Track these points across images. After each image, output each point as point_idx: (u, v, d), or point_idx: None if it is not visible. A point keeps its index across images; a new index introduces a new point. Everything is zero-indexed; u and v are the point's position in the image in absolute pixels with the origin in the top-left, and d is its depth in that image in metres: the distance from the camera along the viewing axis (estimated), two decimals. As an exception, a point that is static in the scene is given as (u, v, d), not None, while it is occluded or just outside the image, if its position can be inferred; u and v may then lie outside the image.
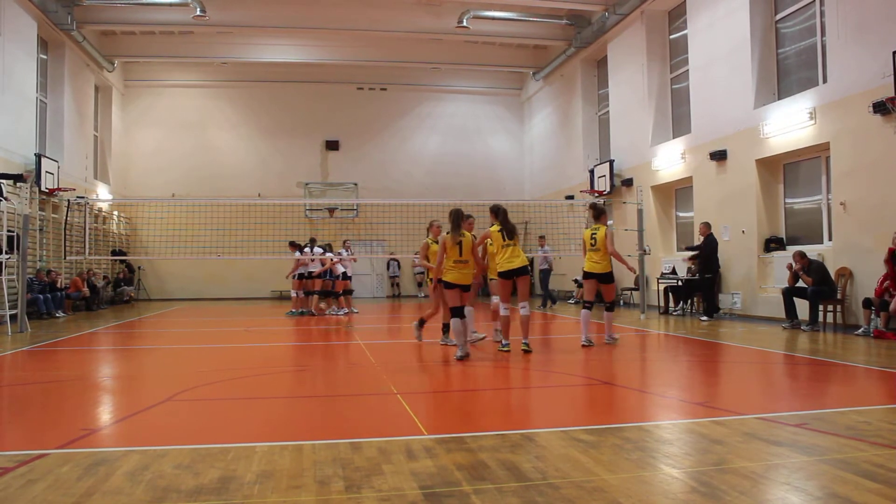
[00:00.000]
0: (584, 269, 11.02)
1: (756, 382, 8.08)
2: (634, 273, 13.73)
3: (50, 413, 6.56)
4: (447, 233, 9.62)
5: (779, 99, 15.31)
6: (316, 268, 18.23)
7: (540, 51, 27.76)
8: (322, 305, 18.28)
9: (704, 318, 15.22)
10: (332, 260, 18.20)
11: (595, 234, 10.82)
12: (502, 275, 9.94)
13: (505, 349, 10.07)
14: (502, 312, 10.22)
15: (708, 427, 5.36)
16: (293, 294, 18.72)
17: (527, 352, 9.86)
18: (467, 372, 8.81)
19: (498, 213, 10.14)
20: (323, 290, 18.23)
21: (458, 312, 9.45)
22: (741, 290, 15.88)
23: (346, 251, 18.89)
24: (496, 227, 10.01)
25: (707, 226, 15.67)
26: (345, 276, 18.80)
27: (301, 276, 18.19)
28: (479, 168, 30.19)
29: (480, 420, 6.02)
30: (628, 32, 21.17)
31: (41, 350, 11.31)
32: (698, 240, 15.98)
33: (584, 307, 10.87)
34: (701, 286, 15.66)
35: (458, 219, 9.62)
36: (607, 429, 5.36)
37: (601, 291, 11.12)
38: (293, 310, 18.24)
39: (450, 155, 30.27)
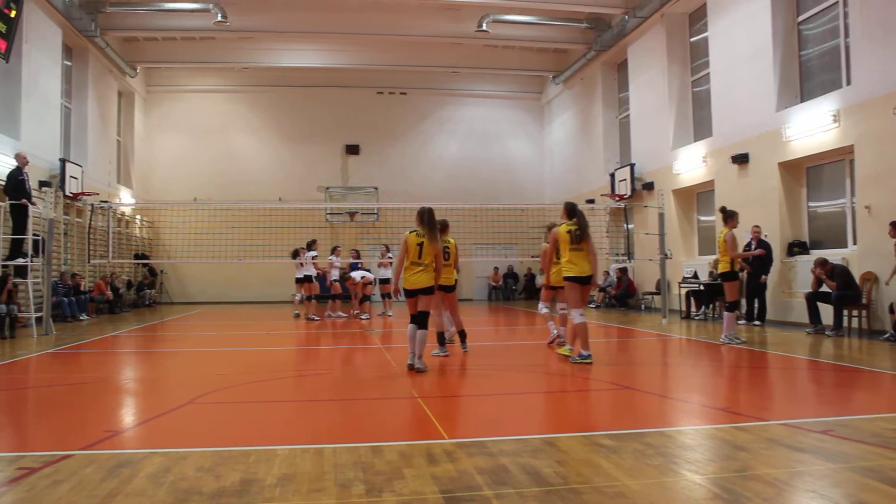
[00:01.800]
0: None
1: (779, 388, 8.00)
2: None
3: (74, 415, 6.61)
4: (411, 232, 8.78)
5: (801, 101, 15.18)
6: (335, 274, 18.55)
7: (560, 54, 27.71)
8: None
9: (758, 322, 14.85)
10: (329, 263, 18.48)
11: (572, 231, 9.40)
12: (572, 280, 9.24)
13: (586, 361, 9.07)
14: (577, 320, 9.21)
15: (731, 433, 5.31)
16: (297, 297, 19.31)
17: (567, 357, 9.46)
18: (488, 376, 8.81)
19: (573, 212, 9.43)
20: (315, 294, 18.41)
21: (414, 319, 8.77)
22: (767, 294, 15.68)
23: (335, 256, 18.71)
24: (565, 228, 9.34)
25: (757, 228, 15.16)
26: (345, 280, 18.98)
27: (300, 281, 18.31)
28: (499, 172, 30.18)
29: (501, 424, 6.00)
30: (648, 35, 21.08)
31: (65, 352, 11.42)
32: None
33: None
34: (758, 290, 15.13)
35: (431, 217, 8.82)
36: (629, 434, 5.32)
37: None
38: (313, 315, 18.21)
39: (470, 159, 30.29)
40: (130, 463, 4.62)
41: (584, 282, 9.28)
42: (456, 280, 10.99)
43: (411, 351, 8.67)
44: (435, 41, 25.58)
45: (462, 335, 10.74)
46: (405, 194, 28.39)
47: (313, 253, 18.09)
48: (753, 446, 4.87)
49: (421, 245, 8.65)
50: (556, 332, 11.39)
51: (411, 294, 8.78)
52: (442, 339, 10.30)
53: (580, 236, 9.21)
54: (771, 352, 10.49)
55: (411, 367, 8.56)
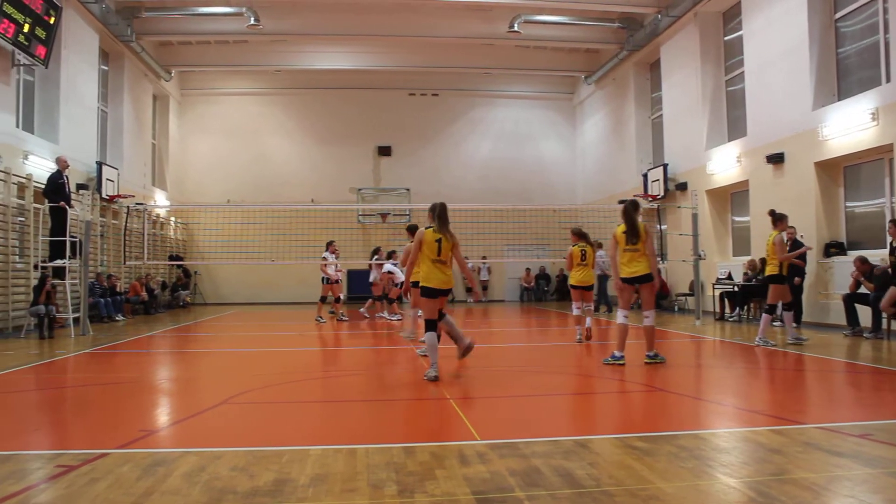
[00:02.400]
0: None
1: (816, 391, 7.88)
2: None
3: (110, 414, 6.71)
4: (426, 227, 8.41)
5: (839, 100, 14.95)
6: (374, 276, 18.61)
7: (592, 54, 27.57)
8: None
9: (794, 325, 14.50)
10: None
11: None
12: (625, 280, 9.31)
13: (618, 362, 9.17)
14: (620, 321, 9.42)
15: (766, 436, 5.25)
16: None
17: (651, 363, 9.18)
18: (519, 378, 8.79)
19: (626, 212, 9.37)
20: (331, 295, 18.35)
21: (432, 325, 8.30)
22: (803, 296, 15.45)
23: (332, 255, 18.12)
24: (622, 228, 9.33)
25: (794, 229, 14.98)
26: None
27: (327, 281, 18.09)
28: (531, 173, 30.11)
29: (533, 426, 5.98)
30: (681, 35, 20.90)
31: (102, 352, 11.60)
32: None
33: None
34: (793, 292, 14.77)
35: (443, 211, 8.42)
36: (662, 436, 5.28)
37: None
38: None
39: (502, 160, 30.25)
40: (165, 462, 4.68)
41: (633, 282, 9.32)
42: None
43: (433, 361, 8.17)
44: (466, 42, 25.58)
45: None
46: (437, 195, 28.09)
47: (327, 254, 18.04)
48: (789, 450, 4.81)
49: (440, 241, 8.24)
50: (578, 332, 12.36)
51: (436, 294, 8.25)
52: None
53: (632, 237, 9.22)
54: (807, 354, 10.33)
55: (432, 379, 7.97)
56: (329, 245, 18.14)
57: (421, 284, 8.31)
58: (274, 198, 27.23)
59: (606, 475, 4.28)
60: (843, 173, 15.23)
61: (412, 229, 10.92)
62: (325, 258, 17.91)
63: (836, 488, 4.07)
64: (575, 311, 12.43)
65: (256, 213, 22.60)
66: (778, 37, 16.36)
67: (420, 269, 8.41)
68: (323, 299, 18.18)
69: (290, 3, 22.94)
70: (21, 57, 15.80)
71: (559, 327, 16.56)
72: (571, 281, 12.42)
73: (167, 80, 26.66)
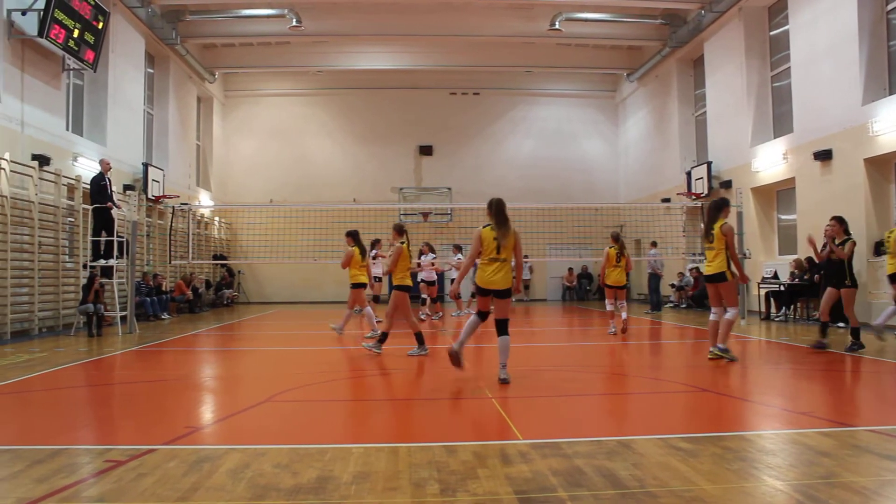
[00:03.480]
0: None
1: (866, 393, 7.72)
2: None
3: (157, 410, 6.84)
4: (484, 226, 7.99)
5: (890, 94, 14.59)
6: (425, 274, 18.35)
7: (634, 52, 27.32)
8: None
9: (842, 325, 14.21)
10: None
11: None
12: (703, 279, 9.51)
13: (713, 356, 9.36)
14: (711, 318, 9.57)
15: (814, 438, 5.15)
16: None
17: (719, 358, 9.25)
18: (562, 377, 8.75)
19: (707, 210, 9.50)
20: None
21: (483, 315, 8.03)
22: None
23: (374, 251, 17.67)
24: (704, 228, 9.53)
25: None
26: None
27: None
28: (573, 171, 29.92)
29: (576, 425, 5.95)
30: (726, 30, 20.60)
31: (148, 350, 11.81)
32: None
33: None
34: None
35: (500, 207, 7.98)
36: (707, 437, 5.22)
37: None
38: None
39: (543, 159, 30.09)
40: (210, 458, 4.75)
41: (709, 280, 9.40)
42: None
43: (461, 339, 7.98)
44: (507, 41, 25.51)
45: (383, 337, 10.68)
46: (478, 194, 28.30)
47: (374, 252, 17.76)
48: (838, 452, 4.71)
49: (498, 239, 7.85)
50: (612, 326, 13.73)
51: (484, 293, 7.94)
52: (421, 339, 10.54)
53: (707, 235, 9.36)
54: (857, 355, 10.12)
55: (452, 354, 7.91)
56: (376, 243, 17.76)
57: (475, 282, 8.02)
58: (316, 197, 27.43)
59: (650, 476, 4.24)
60: (895, 169, 14.88)
61: (398, 228, 11.15)
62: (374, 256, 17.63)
63: (888, 493, 3.98)
64: (608, 307, 13.82)
65: (299, 213, 22.79)
66: (826, 30, 16.03)
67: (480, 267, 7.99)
68: (376, 299, 17.85)
69: (331, 3, 23.11)
70: (71, 62, 16.16)
71: (601, 327, 16.43)
72: (607, 280, 13.61)
73: (211, 82, 27.04)
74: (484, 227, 7.98)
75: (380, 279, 18.02)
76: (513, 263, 7.99)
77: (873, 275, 14.70)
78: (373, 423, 6.14)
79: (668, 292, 22.98)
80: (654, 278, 20.34)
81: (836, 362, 9.60)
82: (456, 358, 7.93)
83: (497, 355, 7.92)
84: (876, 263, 14.62)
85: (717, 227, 9.29)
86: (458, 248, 19.77)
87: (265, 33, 24.33)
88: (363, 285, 13.60)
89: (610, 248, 13.60)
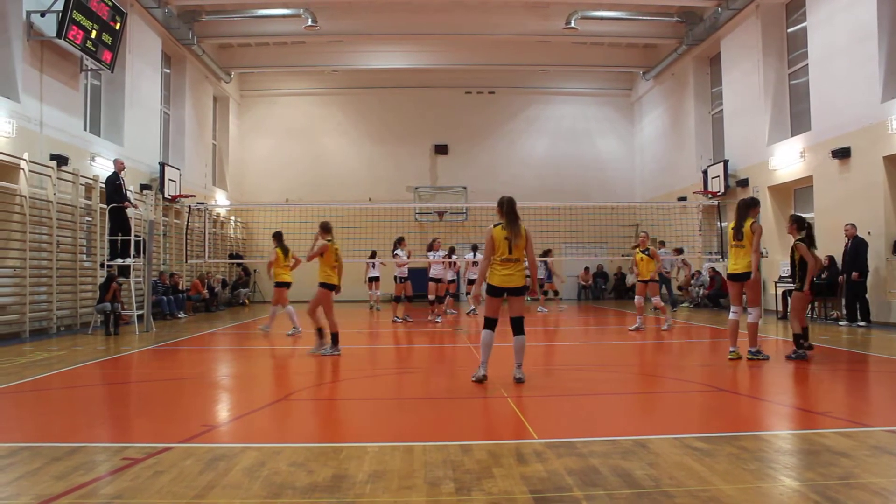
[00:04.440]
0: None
1: (885, 393, 7.64)
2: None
3: (173, 409, 6.88)
4: (495, 225, 7.88)
5: (910, 91, 14.46)
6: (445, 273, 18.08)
7: (650, 50, 27.20)
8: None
9: (862, 323, 14.16)
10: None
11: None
12: (729, 277, 9.41)
13: (732, 357, 9.27)
14: (730, 317, 9.55)
15: (832, 438, 5.11)
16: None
17: (754, 358, 9.12)
18: (577, 376, 8.73)
19: (737, 208, 9.42)
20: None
21: (490, 324, 7.80)
22: (868, 294, 14.98)
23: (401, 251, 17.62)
24: (732, 224, 9.40)
25: (854, 227, 14.59)
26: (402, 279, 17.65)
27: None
28: (588, 170, 29.81)
29: (591, 425, 5.94)
30: (742, 28, 20.47)
31: (165, 349, 11.88)
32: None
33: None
34: (858, 290, 14.44)
35: (510, 206, 7.91)
36: (723, 437, 5.19)
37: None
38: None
39: (559, 157, 30.02)
40: (226, 457, 4.77)
41: (734, 279, 9.33)
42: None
43: (483, 360, 7.78)
44: (522, 40, 25.46)
45: (335, 338, 10.73)
46: (494, 193, 27.95)
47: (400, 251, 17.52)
48: (856, 453, 4.68)
49: (509, 239, 7.74)
50: (638, 321, 14.37)
51: (497, 292, 7.79)
52: (321, 334, 10.74)
53: (737, 234, 9.27)
54: (874, 354, 10.04)
55: (480, 381, 7.67)
56: (399, 242, 17.65)
57: (487, 281, 7.89)
58: (332, 197, 27.47)
59: (666, 476, 4.22)
60: (914, 167, 14.75)
61: (324, 226, 11.20)
62: (397, 255, 17.46)
63: (906, 493, 3.94)
64: (637, 300, 14.61)
65: (315, 212, 22.83)
66: (844, 27, 15.90)
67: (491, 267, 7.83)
68: (397, 299, 17.74)
69: (346, 3, 23.14)
70: (89, 62, 16.28)
71: (617, 326, 16.37)
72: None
73: (227, 82, 27.16)
74: (495, 226, 7.89)
75: (406, 279, 17.65)
76: (526, 263, 7.93)
77: (892, 273, 14.56)
78: (388, 422, 6.14)
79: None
80: (663, 279, 20.18)
81: (855, 362, 9.52)
82: (520, 380, 7.69)
83: (512, 355, 7.87)
84: (894, 262, 14.50)
85: (747, 225, 9.22)
86: (475, 248, 19.61)
87: (281, 33, 24.41)
88: (287, 284, 14.56)
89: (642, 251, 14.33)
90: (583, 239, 22.90)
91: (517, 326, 7.78)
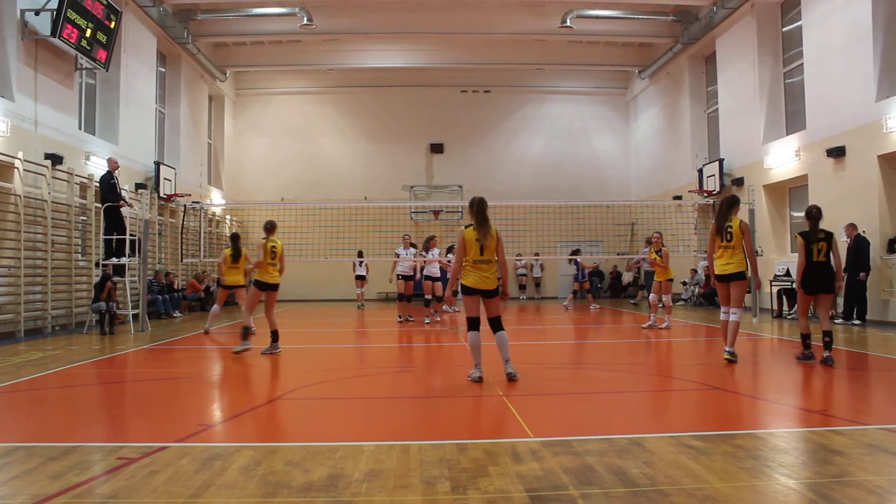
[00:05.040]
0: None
1: (880, 391, 7.66)
2: None
3: (169, 408, 6.87)
4: (466, 226, 7.86)
5: (904, 90, 14.49)
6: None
7: (645, 49, 27.23)
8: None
9: (857, 322, 14.18)
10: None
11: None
12: (718, 278, 9.23)
13: (728, 357, 9.07)
14: (721, 317, 9.37)
15: (827, 437, 5.12)
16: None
17: (731, 362, 8.98)
18: (573, 375, 8.73)
19: (720, 208, 9.29)
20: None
21: (474, 324, 7.84)
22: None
23: (407, 250, 17.35)
24: (714, 226, 9.31)
25: (853, 227, 14.55)
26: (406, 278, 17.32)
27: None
28: (584, 169, 29.85)
29: (587, 423, 5.94)
30: (738, 26, 20.50)
31: (160, 348, 11.87)
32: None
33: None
34: (857, 289, 14.34)
35: (480, 207, 7.85)
36: (719, 435, 5.20)
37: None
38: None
39: (554, 156, 30.06)
40: (222, 456, 4.77)
41: (724, 280, 9.15)
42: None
43: (475, 362, 7.83)
44: (518, 38, 25.46)
45: (274, 335, 10.87)
46: (490, 192, 28.13)
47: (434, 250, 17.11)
48: (852, 451, 4.69)
49: (480, 240, 7.70)
50: (651, 319, 14.48)
51: (473, 292, 7.78)
52: (246, 334, 10.78)
53: (724, 234, 9.11)
54: (871, 353, 10.06)
55: (476, 381, 7.71)
56: (430, 240, 17.20)
57: (461, 282, 7.84)
58: (327, 195, 27.49)
59: (661, 474, 4.23)
60: (909, 166, 14.79)
61: (266, 226, 11.39)
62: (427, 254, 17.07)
63: (901, 491, 3.95)
64: (651, 298, 14.78)
65: (310, 211, 22.84)
66: (839, 26, 15.93)
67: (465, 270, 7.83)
68: (401, 297, 17.46)
69: (342, 2, 23.12)
70: (83, 61, 16.23)
71: (612, 325, 16.40)
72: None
73: (222, 81, 27.13)
74: (466, 227, 7.86)
75: (439, 278, 17.00)
76: (498, 265, 7.89)
77: (886, 272, 14.61)
78: (384, 421, 6.14)
79: (678, 289, 22.91)
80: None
81: (851, 361, 9.54)
82: (480, 381, 7.72)
83: (498, 353, 7.90)
84: (890, 261, 14.54)
85: (735, 225, 9.11)
86: (450, 249, 18.95)
87: (276, 32, 24.38)
88: (231, 287, 14.50)
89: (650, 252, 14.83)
90: (578, 237, 22.90)
91: (496, 324, 7.85)
